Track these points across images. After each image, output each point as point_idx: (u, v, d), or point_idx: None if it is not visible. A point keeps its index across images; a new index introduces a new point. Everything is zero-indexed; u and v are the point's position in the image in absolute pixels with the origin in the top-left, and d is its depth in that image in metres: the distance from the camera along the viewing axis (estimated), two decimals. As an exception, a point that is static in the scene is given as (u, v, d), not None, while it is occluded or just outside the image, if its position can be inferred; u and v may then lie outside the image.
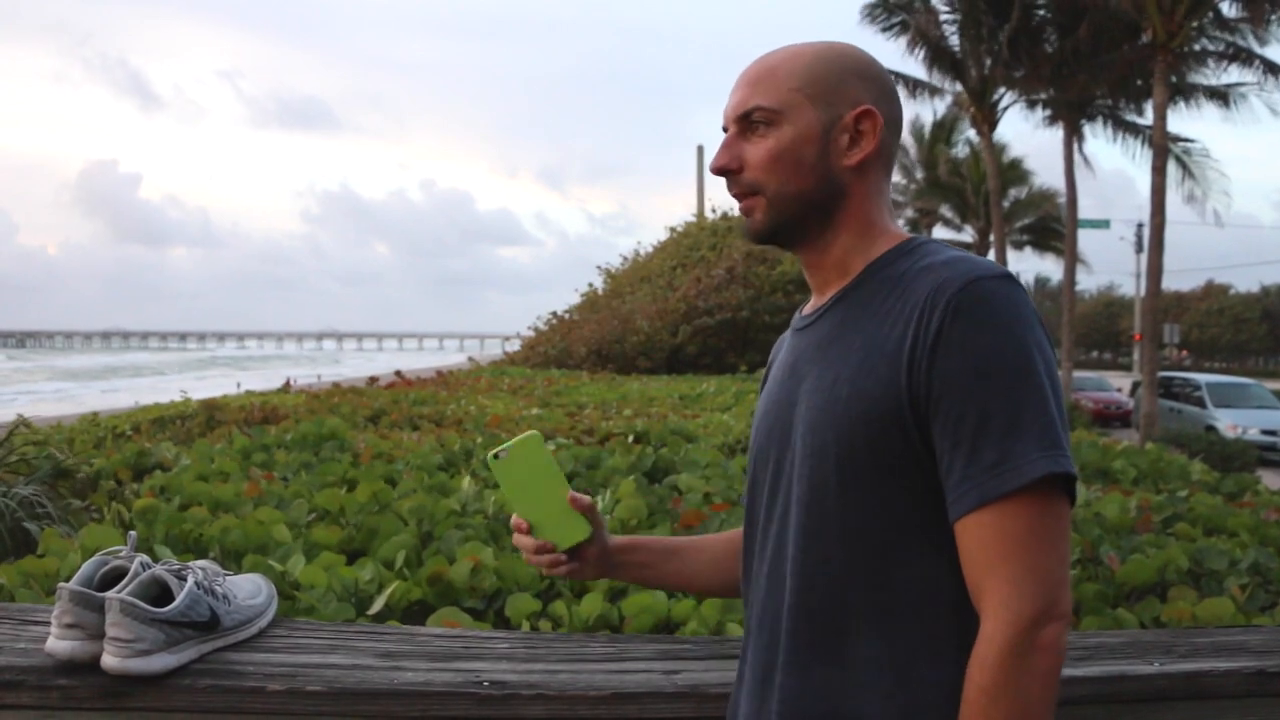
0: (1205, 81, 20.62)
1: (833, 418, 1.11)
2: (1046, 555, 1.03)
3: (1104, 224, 36.34)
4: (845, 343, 1.15)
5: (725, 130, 1.24)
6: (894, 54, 23.68)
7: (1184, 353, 61.81)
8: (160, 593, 1.34)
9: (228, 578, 1.49)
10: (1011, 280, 1.08)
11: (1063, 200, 26.69)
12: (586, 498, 1.37)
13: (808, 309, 1.28)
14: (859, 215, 1.21)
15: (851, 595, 1.11)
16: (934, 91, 24.82)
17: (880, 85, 1.22)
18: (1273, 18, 17.51)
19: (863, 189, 1.21)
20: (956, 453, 1.05)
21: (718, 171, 1.22)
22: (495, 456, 1.32)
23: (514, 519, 1.37)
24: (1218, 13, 18.36)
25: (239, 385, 12.46)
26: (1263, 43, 18.70)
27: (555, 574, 1.39)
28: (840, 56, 1.21)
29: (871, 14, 22.52)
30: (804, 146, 1.18)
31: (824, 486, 1.12)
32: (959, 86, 23.92)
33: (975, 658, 1.03)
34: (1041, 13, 20.48)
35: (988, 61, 21.63)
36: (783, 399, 1.22)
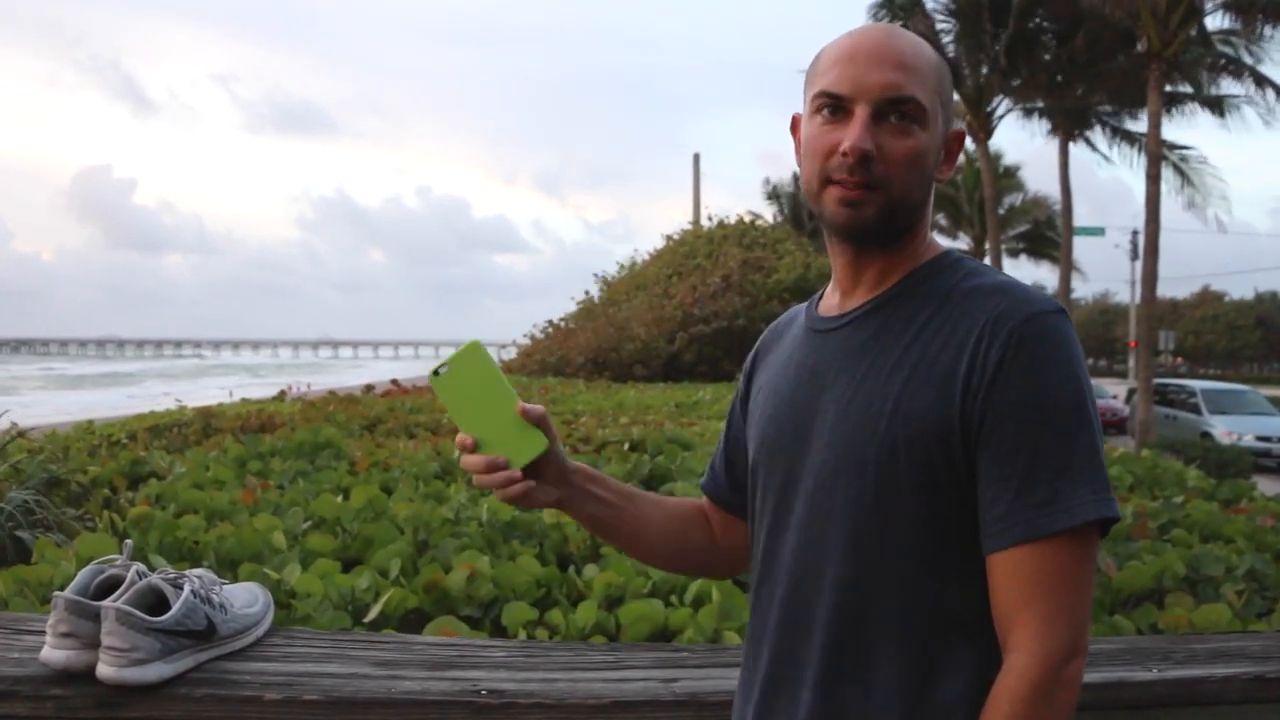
0: (1201, 91, 20.73)
1: (874, 434, 1.09)
2: (1078, 594, 1.04)
3: (1099, 231, 36.38)
4: (883, 356, 1.13)
5: (841, 99, 1.12)
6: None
7: (1179, 360, 61.89)
8: (156, 601, 1.33)
9: (224, 586, 1.49)
10: (1065, 316, 1.09)
11: (1056, 206, 26.79)
12: (538, 408, 1.21)
13: (829, 309, 1.24)
14: (923, 227, 1.20)
15: (882, 614, 1.10)
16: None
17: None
18: (1263, 29, 17.60)
19: (930, 203, 1.20)
20: (1004, 485, 1.05)
21: (863, 155, 1.10)
22: (436, 373, 1.20)
23: (459, 437, 1.21)
24: (1203, 27, 18.45)
25: (231, 393, 12.48)
26: (1257, 60, 18.84)
27: (510, 495, 1.20)
28: (945, 64, 1.19)
29: (875, 15, 22.59)
30: (930, 155, 1.14)
31: (860, 502, 1.11)
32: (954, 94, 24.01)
33: (1003, 690, 1.03)
34: (1038, 21, 20.57)
35: (984, 69, 21.71)
36: (801, 404, 1.19)
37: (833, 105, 1.13)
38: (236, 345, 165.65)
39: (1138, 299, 24.00)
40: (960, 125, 1.19)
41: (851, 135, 1.11)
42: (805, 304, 1.31)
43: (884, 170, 1.11)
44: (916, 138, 1.12)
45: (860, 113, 1.11)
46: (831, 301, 1.24)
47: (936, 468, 1.07)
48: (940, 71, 1.16)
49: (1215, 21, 18.66)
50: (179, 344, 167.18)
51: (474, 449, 1.20)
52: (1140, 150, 22.28)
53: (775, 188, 37.74)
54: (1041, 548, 1.03)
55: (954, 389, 1.07)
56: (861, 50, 1.14)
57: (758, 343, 1.39)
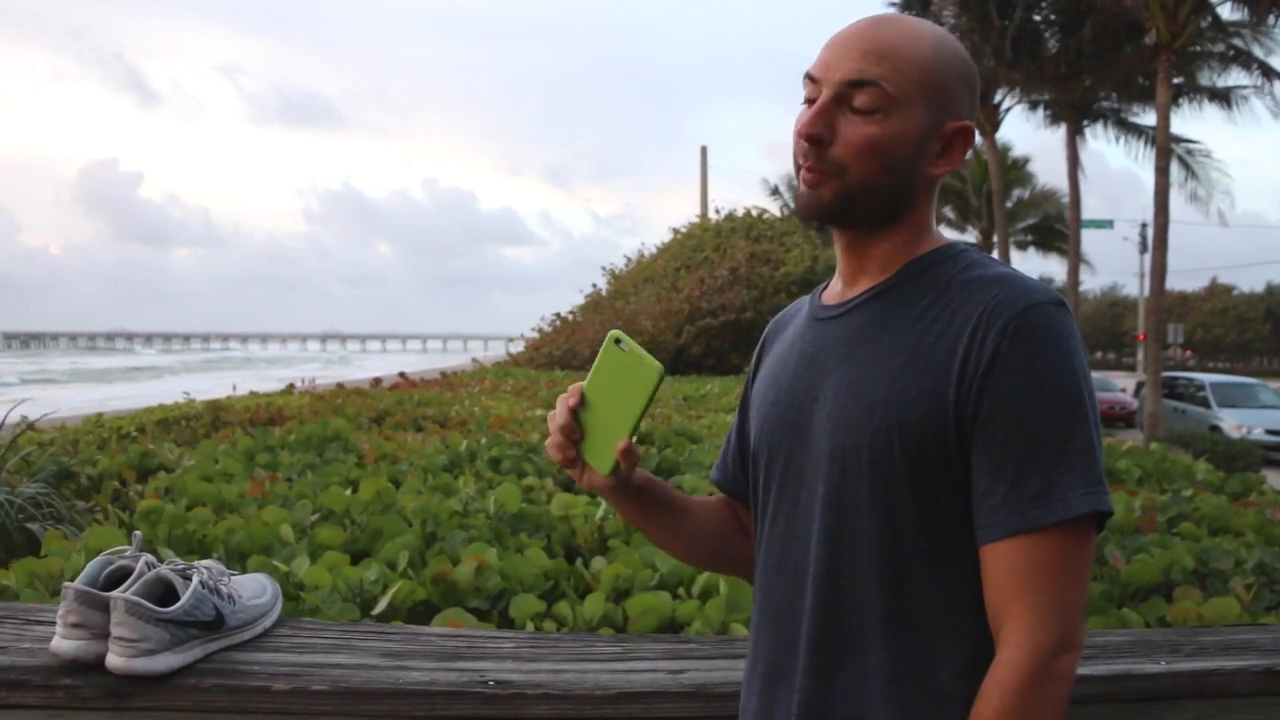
0: (1207, 83, 20.64)
1: (868, 421, 1.09)
2: (1070, 588, 1.04)
3: (1107, 224, 36.31)
4: (881, 344, 1.12)
5: (812, 81, 1.14)
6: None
7: (1188, 353, 61.64)
8: (165, 592, 1.33)
9: (232, 577, 1.49)
10: (1064, 307, 1.08)
11: (1065, 200, 26.71)
12: (635, 453, 1.21)
13: (831, 298, 1.23)
14: (919, 218, 1.18)
15: (876, 602, 1.10)
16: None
17: (975, 97, 1.18)
18: (1272, 19, 17.50)
19: (929, 195, 1.18)
20: (998, 476, 1.04)
21: (809, 138, 1.12)
22: (618, 341, 1.19)
23: (573, 386, 1.22)
24: (1217, 17, 18.35)
25: (235, 387, 12.51)
26: (1267, 51, 18.73)
27: (559, 462, 1.23)
28: (956, 57, 1.15)
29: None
30: (903, 145, 1.12)
31: (853, 490, 1.10)
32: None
33: (992, 682, 1.03)
34: (1044, 13, 20.48)
35: (990, 62, 21.62)
36: (800, 391, 1.19)
37: (811, 88, 1.15)
38: (244, 339, 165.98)
39: (1147, 292, 23.92)
40: (968, 120, 1.16)
41: (804, 119, 1.13)
42: (811, 294, 1.31)
43: (839, 155, 1.12)
44: (877, 125, 1.10)
45: (822, 98, 1.13)
46: (834, 291, 1.24)
47: (930, 457, 1.07)
48: (935, 62, 1.13)
49: (1223, 13, 18.58)
50: (187, 338, 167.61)
51: (578, 407, 1.21)
52: (1147, 143, 22.21)
53: (776, 186, 37.74)
54: (1034, 540, 1.03)
55: (949, 379, 1.06)
56: (841, 36, 1.15)
57: (764, 333, 1.39)
